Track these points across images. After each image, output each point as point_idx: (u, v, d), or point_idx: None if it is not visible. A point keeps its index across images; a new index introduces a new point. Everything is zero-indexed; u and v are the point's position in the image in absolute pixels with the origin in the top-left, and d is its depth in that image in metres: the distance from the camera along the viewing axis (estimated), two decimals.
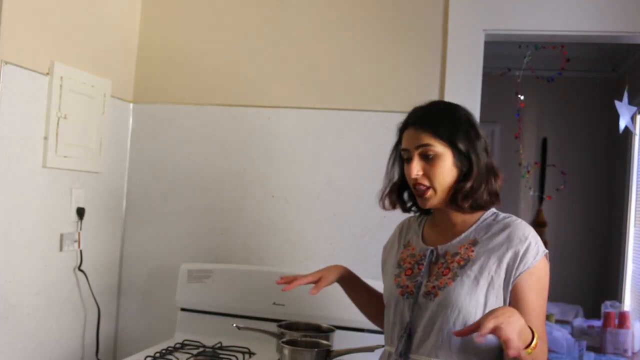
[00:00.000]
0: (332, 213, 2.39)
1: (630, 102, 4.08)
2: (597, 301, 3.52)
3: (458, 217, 1.55)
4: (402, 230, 1.72)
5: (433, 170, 1.50)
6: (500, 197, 1.55)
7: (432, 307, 1.47)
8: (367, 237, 2.35)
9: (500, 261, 1.45)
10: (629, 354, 2.92)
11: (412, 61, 2.36)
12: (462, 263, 1.48)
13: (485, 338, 1.29)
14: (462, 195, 1.49)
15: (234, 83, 2.50)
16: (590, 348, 2.89)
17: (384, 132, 2.35)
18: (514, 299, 1.44)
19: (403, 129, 1.58)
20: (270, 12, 2.48)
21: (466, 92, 2.27)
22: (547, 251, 1.48)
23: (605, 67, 4.69)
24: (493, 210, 1.56)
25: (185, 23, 2.57)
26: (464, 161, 1.50)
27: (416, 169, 1.51)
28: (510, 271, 1.44)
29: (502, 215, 1.54)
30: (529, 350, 1.32)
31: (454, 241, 1.53)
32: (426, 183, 1.51)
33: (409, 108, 2.31)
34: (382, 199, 1.65)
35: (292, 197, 2.43)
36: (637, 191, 3.91)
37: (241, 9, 2.52)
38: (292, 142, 2.43)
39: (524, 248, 1.44)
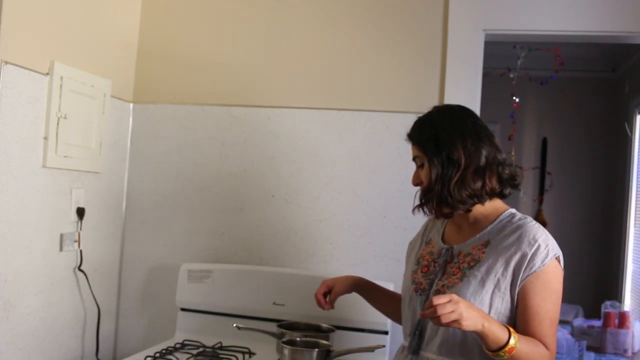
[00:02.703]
0: (332, 213, 2.39)
1: (630, 102, 4.09)
2: (597, 301, 3.51)
3: (470, 218, 1.57)
4: (427, 227, 1.74)
5: (422, 177, 1.56)
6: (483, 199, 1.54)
7: None
8: (367, 237, 2.35)
9: (507, 263, 1.45)
10: (629, 354, 2.92)
11: (412, 61, 2.36)
12: (471, 263, 1.49)
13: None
14: (430, 201, 1.54)
15: (234, 83, 2.51)
16: (590, 348, 2.89)
17: (384, 132, 2.35)
18: (520, 302, 1.44)
19: None
20: (271, 13, 2.48)
21: (466, 92, 2.27)
22: (559, 254, 1.47)
23: (605, 67, 4.69)
24: (511, 210, 1.55)
25: (185, 23, 2.57)
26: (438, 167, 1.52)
27: (413, 178, 1.59)
28: (517, 274, 1.44)
29: (518, 216, 1.54)
30: (501, 352, 1.35)
31: (468, 241, 1.55)
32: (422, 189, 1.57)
33: (409, 108, 2.34)
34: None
35: (292, 197, 2.43)
36: (637, 191, 3.91)
37: (241, 9, 2.52)
38: (292, 142, 2.43)
39: (532, 251, 1.43)
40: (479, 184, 1.50)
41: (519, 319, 1.44)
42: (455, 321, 1.31)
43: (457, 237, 1.59)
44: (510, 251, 1.45)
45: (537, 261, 1.43)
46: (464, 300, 1.34)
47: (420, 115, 1.63)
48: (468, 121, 1.55)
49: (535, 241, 1.45)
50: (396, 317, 1.80)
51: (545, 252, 1.44)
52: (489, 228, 1.54)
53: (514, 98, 3.77)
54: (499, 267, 1.45)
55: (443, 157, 1.51)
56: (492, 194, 1.54)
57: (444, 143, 1.51)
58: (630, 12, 2.20)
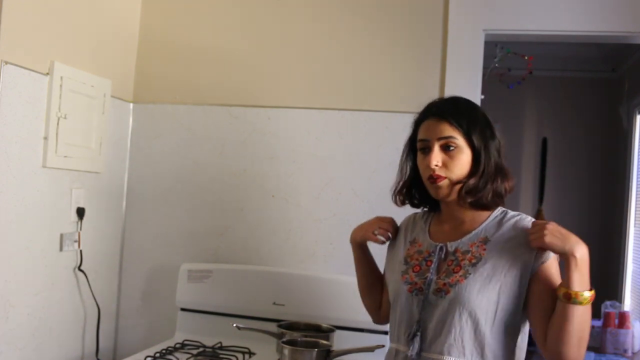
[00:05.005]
0: (332, 213, 2.39)
1: (630, 102, 4.09)
2: (597, 301, 3.52)
3: (467, 215, 1.55)
4: (408, 226, 1.70)
5: (452, 162, 1.49)
6: (505, 200, 1.56)
7: (444, 304, 1.46)
8: None
9: (513, 259, 1.44)
10: (629, 354, 2.92)
11: (412, 61, 2.36)
12: (473, 261, 1.47)
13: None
14: (466, 191, 1.50)
15: (234, 83, 2.51)
16: (590, 348, 2.89)
17: (384, 132, 2.36)
18: (542, 288, 1.42)
19: (422, 119, 1.57)
20: (271, 13, 2.48)
21: (466, 92, 2.26)
22: None
23: (605, 67, 4.69)
24: (502, 208, 1.56)
25: (185, 23, 2.57)
26: (476, 158, 1.51)
27: (436, 159, 1.50)
28: (527, 269, 1.43)
29: (511, 213, 1.54)
30: (582, 298, 1.34)
31: (464, 238, 1.52)
32: (442, 174, 1.50)
33: (409, 108, 2.32)
34: (394, 195, 1.66)
35: (292, 197, 2.43)
36: (637, 191, 3.91)
37: (241, 9, 2.52)
38: (292, 142, 2.43)
39: None
40: (505, 187, 1.54)
41: (543, 304, 1.42)
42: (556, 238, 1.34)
43: (448, 235, 1.56)
44: (515, 247, 1.45)
45: (544, 255, 1.43)
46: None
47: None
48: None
49: None
50: (368, 293, 1.79)
51: None
52: (484, 225, 1.52)
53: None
54: (505, 263, 1.44)
55: (491, 148, 1.51)
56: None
57: (490, 138, 1.52)
58: (630, 12, 2.20)
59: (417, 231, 1.65)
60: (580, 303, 1.35)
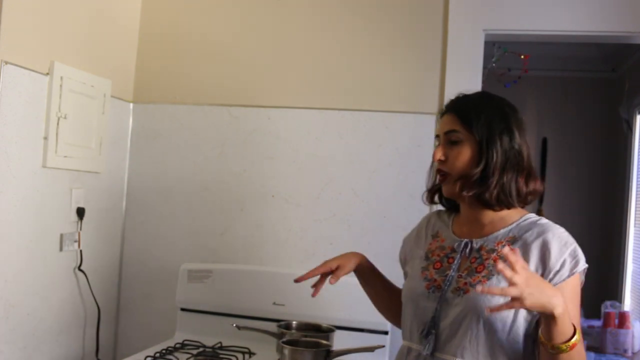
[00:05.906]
0: (332, 213, 2.39)
1: (630, 102, 4.09)
2: (597, 301, 3.51)
3: (485, 217, 1.47)
4: (430, 220, 1.63)
5: (453, 155, 1.44)
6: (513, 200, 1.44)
7: (461, 303, 1.39)
8: (367, 237, 2.35)
9: (537, 267, 1.36)
10: (629, 354, 2.92)
11: (412, 61, 2.36)
12: (497, 261, 1.37)
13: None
14: (463, 184, 1.43)
15: (234, 83, 2.51)
16: (590, 348, 2.89)
17: (384, 132, 2.35)
18: None
19: (441, 116, 1.53)
20: (271, 13, 2.48)
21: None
22: (586, 266, 1.38)
23: (605, 67, 4.68)
24: (534, 214, 1.47)
25: (185, 23, 2.57)
26: (480, 151, 1.42)
27: (439, 153, 1.46)
28: (547, 278, 1.35)
29: (544, 220, 1.45)
30: (563, 346, 1.25)
31: (491, 236, 1.44)
32: (445, 169, 1.45)
33: (409, 108, 2.34)
34: (425, 192, 1.59)
35: (292, 197, 2.43)
36: (637, 191, 3.91)
37: (241, 9, 2.52)
38: (292, 142, 2.43)
39: (563, 258, 1.36)
40: (520, 187, 1.43)
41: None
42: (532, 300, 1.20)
43: (474, 232, 1.48)
44: (542, 254, 1.37)
45: (567, 269, 1.36)
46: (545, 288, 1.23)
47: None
48: (519, 115, 1.49)
49: (567, 249, 1.37)
50: (385, 309, 1.71)
51: (575, 261, 1.36)
52: (514, 224, 1.44)
53: None
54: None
55: (497, 143, 1.41)
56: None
57: (503, 132, 1.43)
58: (630, 12, 2.20)
59: (440, 225, 1.58)
60: (564, 351, 1.26)
